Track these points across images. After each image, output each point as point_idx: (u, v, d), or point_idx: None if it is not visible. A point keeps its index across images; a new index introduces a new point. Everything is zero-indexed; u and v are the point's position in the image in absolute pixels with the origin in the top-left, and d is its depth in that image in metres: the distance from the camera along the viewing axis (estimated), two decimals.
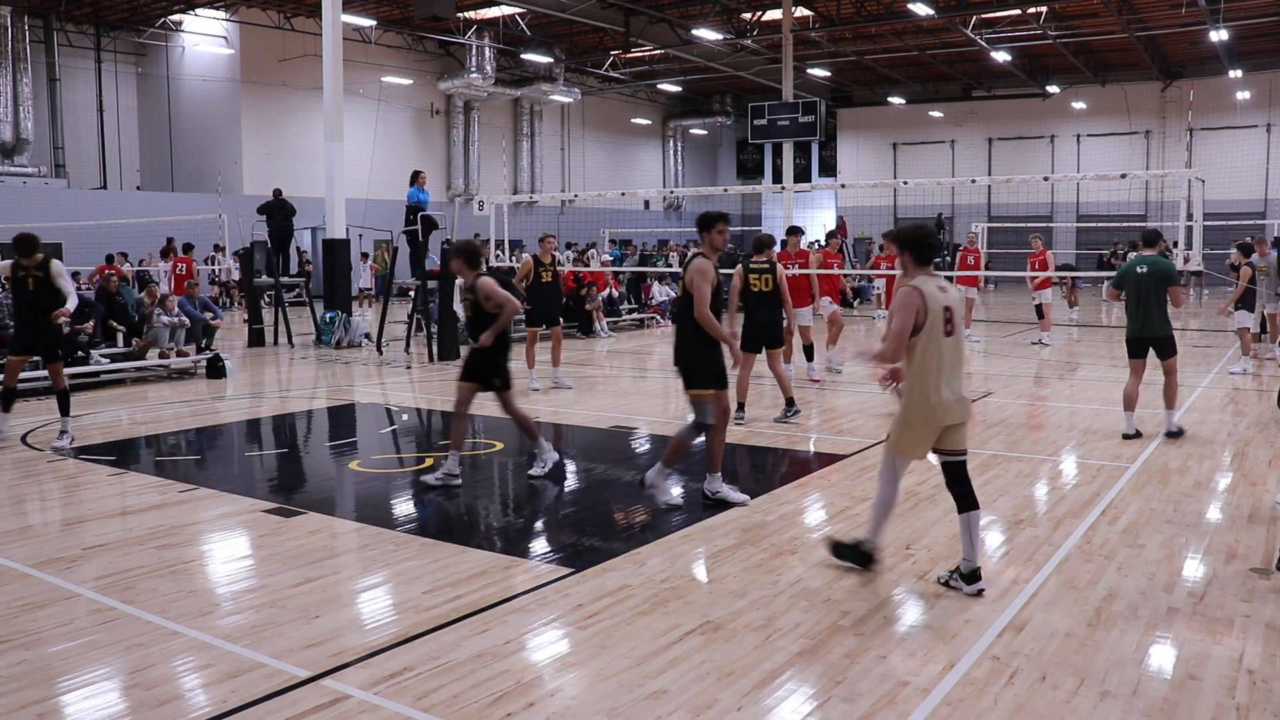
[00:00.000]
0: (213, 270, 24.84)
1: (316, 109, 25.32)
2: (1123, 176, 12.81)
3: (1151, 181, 34.61)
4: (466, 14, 28.96)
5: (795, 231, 12.98)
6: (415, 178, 16.34)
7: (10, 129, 26.20)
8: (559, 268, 13.00)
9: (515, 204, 24.14)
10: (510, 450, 8.94)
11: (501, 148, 35.06)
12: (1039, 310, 17.45)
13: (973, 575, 4.99)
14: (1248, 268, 13.18)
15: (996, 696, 3.89)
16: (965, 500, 5.03)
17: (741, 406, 9.74)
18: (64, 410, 8.87)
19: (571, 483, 7.80)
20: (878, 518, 5.29)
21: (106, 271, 16.34)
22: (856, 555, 5.36)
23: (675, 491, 6.94)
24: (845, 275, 26.02)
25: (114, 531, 6.18)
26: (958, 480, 5.06)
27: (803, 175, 40.62)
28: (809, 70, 35.60)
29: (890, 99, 40.31)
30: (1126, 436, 8.86)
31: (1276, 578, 5.16)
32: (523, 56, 32.08)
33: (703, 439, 6.72)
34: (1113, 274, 10.22)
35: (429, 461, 8.34)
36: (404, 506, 7.16)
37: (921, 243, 5.05)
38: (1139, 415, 9.15)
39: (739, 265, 9.93)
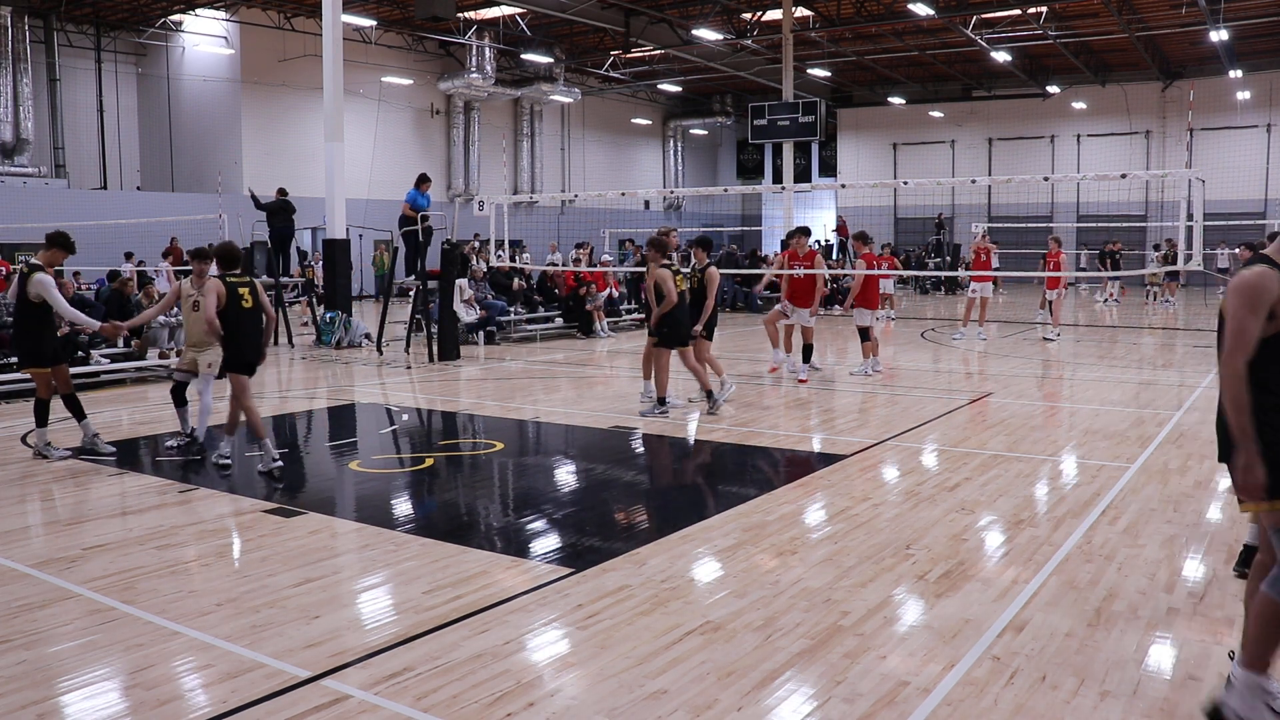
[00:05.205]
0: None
1: (316, 109, 25.32)
2: (1123, 176, 12.77)
3: (1152, 181, 34.61)
4: (466, 14, 28.96)
5: (802, 232, 12.70)
6: (421, 181, 16.28)
7: (10, 129, 26.18)
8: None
9: (515, 204, 24.14)
10: (510, 450, 8.94)
11: (501, 148, 35.04)
12: (1051, 307, 17.97)
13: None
14: None
15: (996, 696, 3.88)
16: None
17: (662, 400, 10.18)
18: (80, 415, 8.70)
19: (571, 483, 7.80)
20: (204, 419, 8.49)
21: (124, 279, 16.15)
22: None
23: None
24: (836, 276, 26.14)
25: (114, 531, 6.18)
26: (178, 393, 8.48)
27: (803, 175, 40.60)
28: (809, 70, 35.59)
29: (890, 99, 40.30)
30: None
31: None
32: (523, 56, 32.08)
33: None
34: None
35: (429, 461, 8.35)
36: (404, 506, 7.16)
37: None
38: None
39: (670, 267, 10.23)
